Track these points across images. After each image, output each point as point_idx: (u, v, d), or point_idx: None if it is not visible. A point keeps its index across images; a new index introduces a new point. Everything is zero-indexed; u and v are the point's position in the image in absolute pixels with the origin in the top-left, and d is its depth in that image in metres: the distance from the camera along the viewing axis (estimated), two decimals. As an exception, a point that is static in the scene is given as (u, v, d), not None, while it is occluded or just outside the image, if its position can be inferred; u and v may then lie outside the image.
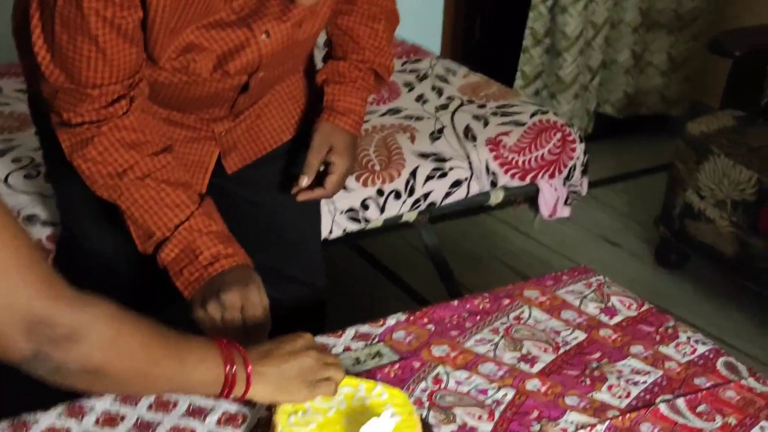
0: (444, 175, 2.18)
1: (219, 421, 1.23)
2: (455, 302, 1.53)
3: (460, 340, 1.43)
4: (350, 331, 1.44)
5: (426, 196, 2.16)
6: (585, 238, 3.10)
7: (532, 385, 1.34)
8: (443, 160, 2.19)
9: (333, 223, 2.05)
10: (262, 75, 1.48)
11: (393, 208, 2.13)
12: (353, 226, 2.09)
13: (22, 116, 2.23)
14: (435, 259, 2.48)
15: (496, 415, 1.28)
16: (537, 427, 1.26)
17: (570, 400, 1.31)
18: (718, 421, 1.29)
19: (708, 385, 1.36)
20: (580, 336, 1.46)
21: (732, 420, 1.29)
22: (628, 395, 1.33)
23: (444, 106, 2.42)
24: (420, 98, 2.47)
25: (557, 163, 2.30)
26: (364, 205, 2.09)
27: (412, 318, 1.47)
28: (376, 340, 1.42)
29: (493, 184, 2.25)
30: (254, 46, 1.41)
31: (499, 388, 1.33)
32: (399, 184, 2.13)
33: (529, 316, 1.50)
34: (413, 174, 2.15)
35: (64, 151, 1.40)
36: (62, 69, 1.32)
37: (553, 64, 3.52)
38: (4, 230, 0.89)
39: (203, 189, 1.57)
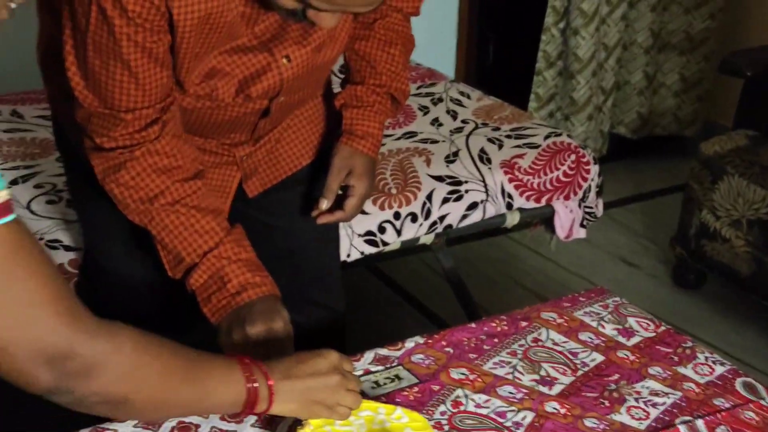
0: (460, 197, 2.19)
1: (241, 445, 1.24)
2: (473, 325, 1.53)
3: (478, 362, 1.43)
4: (369, 354, 1.45)
5: (442, 218, 2.18)
6: (602, 259, 3.10)
7: (552, 407, 1.34)
8: (459, 182, 2.21)
9: (351, 246, 2.06)
10: (282, 99, 1.50)
11: (410, 231, 2.14)
12: (371, 249, 2.10)
13: (43, 142, 2.26)
14: (452, 282, 2.49)
15: (516, 437, 1.28)
16: (557, 448, 1.27)
17: (589, 423, 1.31)
18: (738, 441, 1.29)
19: (727, 405, 1.36)
20: (598, 357, 1.46)
21: (751, 440, 1.29)
22: (648, 417, 1.33)
23: (459, 130, 2.43)
24: (435, 122, 2.49)
25: (572, 185, 2.31)
26: (381, 228, 2.10)
27: (430, 341, 1.48)
28: (395, 363, 1.43)
29: (509, 206, 2.26)
30: (275, 70, 1.43)
31: (519, 411, 1.33)
32: (415, 207, 2.15)
33: (547, 337, 1.51)
34: (429, 197, 2.17)
35: (95, 176, 1.41)
36: (96, 94, 1.35)
37: (566, 86, 3.54)
38: (30, 261, 0.89)
39: (226, 213, 1.59)
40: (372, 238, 2.10)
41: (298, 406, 1.17)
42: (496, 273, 2.99)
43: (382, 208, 2.11)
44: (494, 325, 1.53)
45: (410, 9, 1.64)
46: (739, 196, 2.61)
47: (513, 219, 2.29)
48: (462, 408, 1.33)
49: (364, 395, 1.26)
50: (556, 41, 3.49)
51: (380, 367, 1.41)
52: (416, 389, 1.36)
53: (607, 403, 1.35)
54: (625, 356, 1.47)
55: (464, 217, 2.20)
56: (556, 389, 1.38)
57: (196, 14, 1.30)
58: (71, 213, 1.93)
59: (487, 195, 2.22)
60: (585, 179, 2.33)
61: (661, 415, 1.34)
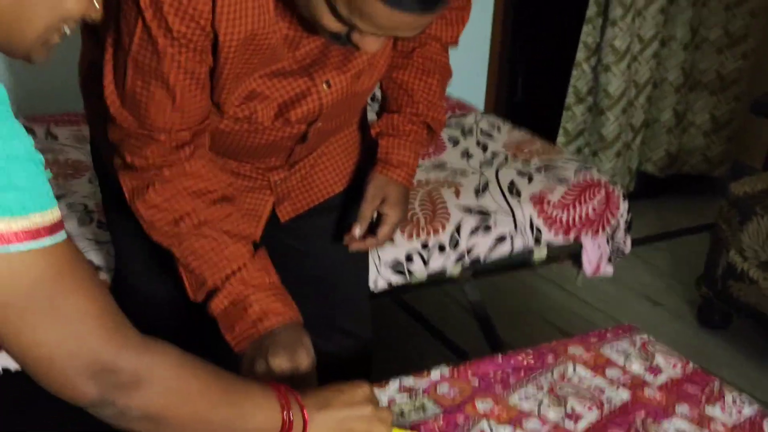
0: (488, 229, 2.20)
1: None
2: (499, 357, 1.53)
3: (504, 395, 1.43)
4: (394, 383, 1.44)
5: (470, 250, 2.18)
6: (627, 296, 3.09)
7: (577, 442, 1.34)
8: (487, 214, 2.21)
9: (378, 276, 2.07)
10: (320, 125, 1.51)
11: (437, 262, 2.15)
12: (398, 279, 2.11)
13: (76, 163, 2.29)
14: (478, 315, 2.49)
15: (541, 471, 1.28)
16: (582, 485, 1.26)
17: (615, 459, 1.31)
18: (765, 484, 1.28)
19: (754, 448, 1.35)
20: (625, 395, 1.45)
21: (779, 484, 1.28)
22: (674, 456, 1.33)
23: (489, 162, 2.44)
24: (465, 153, 2.50)
25: (601, 221, 2.31)
26: (409, 258, 2.11)
27: (456, 372, 1.48)
28: (420, 392, 1.43)
29: (537, 240, 2.26)
30: (315, 95, 1.44)
31: (544, 445, 1.33)
32: (444, 237, 2.15)
33: (574, 373, 1.50)
34: (458, 228, 2.17)
35: (124, 196, 1.42)
36: (132, 113, 1.35)
37: (595, 122, 3.54)
38: (80, 277, 0.91)
39: (257, 237, 1.60)
40: (399, 267, 2.10)
41: None
42: (520, 306, 2.98)
43: (410, 237, 2.12)
44: (521, 358, 1.53)
45: (449, 39, 1.65)
46: (768, 238, 2.60)
47: (541, 253, 2.29)
48: (487, 440, 1.33)
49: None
50: (587, 77, 3.50)
51: (405, 396, 1.41)
52: (441, 420, 1.36)
53: (633, 441, 1.35)
54: (652, 394, 1.46)
55: (492, 249, 2.20)
56: (582, 425, 1.37)
57: (242, 35, 1.31)
58: (102, 234, 1.95)
59: (516, 228, 2.22)
60: (614, 215, 2.33)
61: (688, 455, 1.33)
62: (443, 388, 1.44)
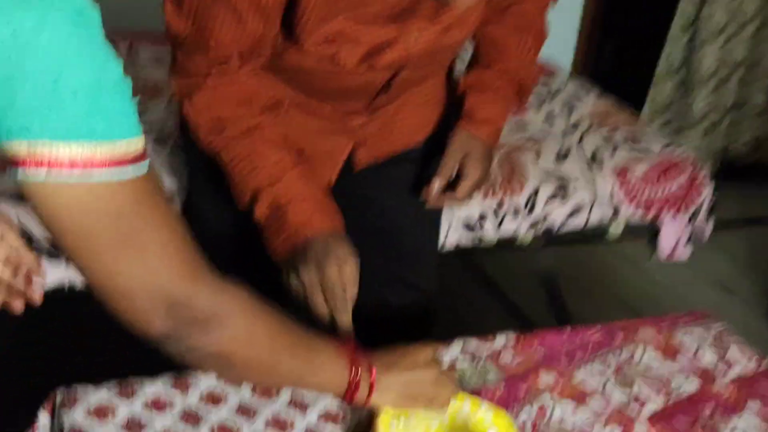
0: (566, 197, 2.13)
1: (319, 417, 1.22)
2: (567, 330, 1.49)
3: (569, 369, 1.39)
4: (457, 345, 1.41)
5: (545, 218, 2.12)
6: (700, 281, 3.00)
7: (640, 430, 1.29)
8: (567, 182, 2.15)
9: (448, 233, 2.03)
10: (405, 74, 1.47)
11: (510, 225, 2.10)
12: (468, 239, 2.06)
13: (155, 85, 2.28)
14: (548, 284, 2.43)
15: (600, 453, 1.24)
16: (641, 472, 1.22)
17: (678, 450, 1.26)
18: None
19: (827, 454, 1.29)
20: (694, 384, 1.40)
21: None
22: (741, 453, 1.28)
23: (573, 128, 2.37)
24: (549, 117, 2.43)
25: (683, 201, 2.23)
26: (482, 217, 2.06)
27: (521, 340, 1.44)
28: (483, 357, 1.39)
29: (615, 213, 2.19)
30: (402, 44, 1.40)
31: (605, 426, 1.28)
32: (520, 200, 2.09)
33: (643, 355, 1.45)
34: (535, 192, 2.11)
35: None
36: (189, 20, 1.34)
37: (684, 98, 3.44)
38: (161, 210, 0.89)
39: (332, 182, 1.57)
40: (470, 227, 2.06)
41: (397, 397, 1.17)
42: (589, 280, 2.92)
43: (485, 195, 2.07)
44: (589, 333, 1.48)
45: None
46: None
47: (617, 229, 2.23)
48: (547, 414, 1.29)
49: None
50: (680, 51, 3.40)
51: (467, 360, 1.38)
52: (502, 388, 1.33)
53: (699, 434, 1.30)
54: (723, 387, 1.40)
55: (568, 218, 2.14)
56: (647, 411, 1.33)
57: None
58: (176, 160, 1.94)
59: (595, 199, 2.15)
60: (697, 197, 2.24)
61: (756, 455, 1.27)
62: (507, 356, 1.40)
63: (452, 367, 1.35)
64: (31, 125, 0.79)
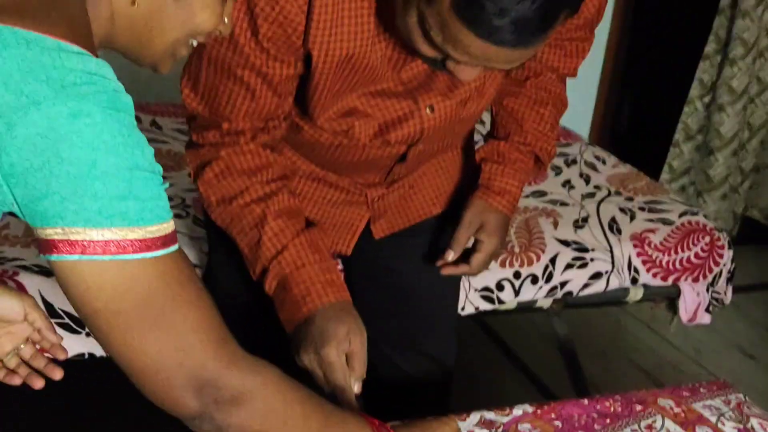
0: (584, 265, 2.14)
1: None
2: (585, 401, 1.48)
3: (587, 442, 1.38)
4: (475, 416, 1.41)
5: (563, 284, 2.13)
6: (719, 345, 2.98)
7: (660, 502, 1.28)
8: (585, 250, 2.16)
9: (466, 300, 2.03)
10: (421, 147, 1.49)
11: (528, 293, 2.10)
12: (486, 305, 2.07)
13: (178, 155, 2.31)
14: (564, 350, 2.42)
15: None
16: None
17: None
18: None
19: None
20: (715, 457, 1.39)
21: None
22: None
23: (590, 195, 2.38)
24: (567, 184, 2.44)
25: (703, 268, 2.23)
26: (499, 286, 2.06)
27: (539, 411, 1.43)
28: (501, 429, 1.39)
29: (634, 280, 2.19)
30: (417, 119, 1.41)
31: (625, 500, 1.27)
32: (537, 269, 2.10)
33: (662, 426, 1.44)
34: (553, 261, 2.12)
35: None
36: (204, 98, 1.36)
37: (703, 162, 3.44)
38: (191, 290, 0.91)
39: (349, 251, 1.59)
40: (489, 294, 2.06)
41: None
42: (607, 344, 2.90)
43: (502, 265, 2.07)
44: (608, 404, 1.47)
45: (567, 70, 1.61)
46: None
47: (636, 294, 2.22)
48: (566, 488, 1.28)
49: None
50: (699, 115, 3.41)
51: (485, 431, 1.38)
52: (520, 461, 1.32)
53: (720, 508, 1.28)
54: (744, 460, 1.39)
55: (586, 285, 2.14)
56: (667, 484, 1.32)
57: (336, 56, 1.29)
58: (197, 230, 1.96)
59: (613, 266, 2.15)
60: (717, 263, 2.24)
61: None
62: (524, 427, 1.40)
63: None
64: (66, 211, 0.81)
